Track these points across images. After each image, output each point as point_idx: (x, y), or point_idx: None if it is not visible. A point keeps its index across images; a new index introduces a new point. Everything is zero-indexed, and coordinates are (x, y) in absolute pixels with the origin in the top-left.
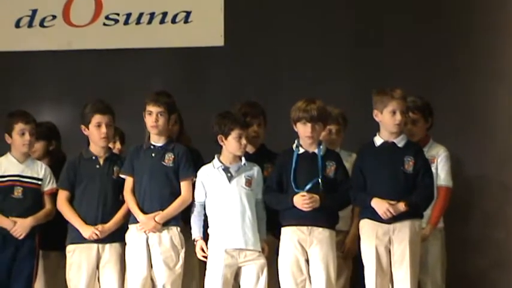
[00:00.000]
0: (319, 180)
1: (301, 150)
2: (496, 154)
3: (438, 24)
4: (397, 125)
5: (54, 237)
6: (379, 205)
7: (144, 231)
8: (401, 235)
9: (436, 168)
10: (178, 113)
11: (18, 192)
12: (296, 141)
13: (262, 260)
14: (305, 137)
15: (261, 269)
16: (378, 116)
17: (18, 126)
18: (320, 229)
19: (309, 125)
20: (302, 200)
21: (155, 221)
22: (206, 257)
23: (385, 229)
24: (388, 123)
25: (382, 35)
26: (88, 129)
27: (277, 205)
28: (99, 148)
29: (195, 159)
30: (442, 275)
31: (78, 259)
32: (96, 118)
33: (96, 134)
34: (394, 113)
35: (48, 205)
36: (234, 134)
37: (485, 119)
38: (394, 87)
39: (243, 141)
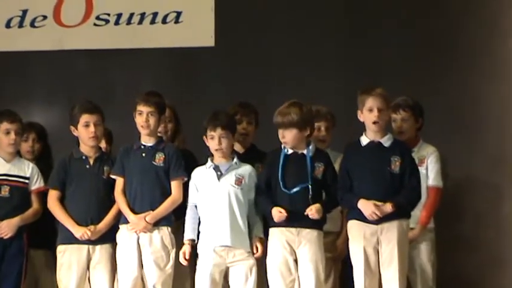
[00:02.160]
0: (309, 186)
1: (290, 151)
2: (487, 154)
3: (430, 24)
4: (374, 122)
5: (42, 235)
6: (365, 207)
7: (135, 231)
8: (389, 235)
9: (426, 169)
10: (175, 112)
11: (5, 191)
12: None
13: (251, 260)
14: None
15: (250, 269)
16: (360, 116)
17: (4, 126)
18: (308, 230)
19: (280, 131)
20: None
21: (146, 221)
22: (187, 262)
23: (373, 230)
24: (366, 121)
25: (372, 35)
26: (77, 129)
27: (264, 210)
28: (88, 148)
29: (188, 160)
30: (433, 275)
31: (68, 259)
32: (84, 118)
33: (85, 134)
34: (371, 110)
35: (35, 204)
36: (208, 134)
37: (477, 119)
38: (375, 86)
39: (215, 141)
